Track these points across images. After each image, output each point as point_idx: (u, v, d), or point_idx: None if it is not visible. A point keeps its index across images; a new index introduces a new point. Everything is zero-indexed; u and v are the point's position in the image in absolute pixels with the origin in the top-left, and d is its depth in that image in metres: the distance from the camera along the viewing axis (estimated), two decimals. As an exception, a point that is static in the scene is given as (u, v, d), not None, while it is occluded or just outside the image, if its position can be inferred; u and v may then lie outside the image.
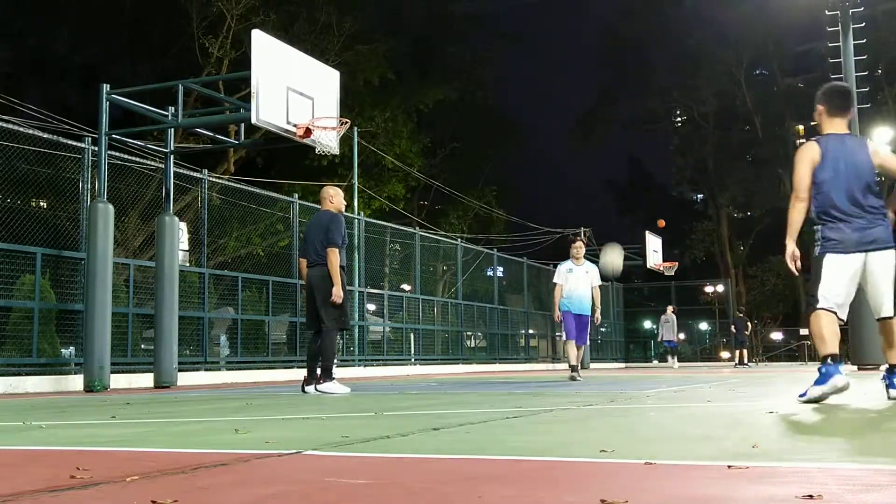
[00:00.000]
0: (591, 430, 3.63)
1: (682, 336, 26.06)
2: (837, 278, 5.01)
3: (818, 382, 4.89)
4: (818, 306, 5.02)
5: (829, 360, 4.87)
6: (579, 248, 11.07)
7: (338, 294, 7.55)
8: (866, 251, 5.00)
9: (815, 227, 5.22)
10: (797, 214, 5.28)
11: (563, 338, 11.02)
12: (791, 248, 5.38)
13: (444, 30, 33.07)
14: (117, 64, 25.48)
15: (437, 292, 23.31)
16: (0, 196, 10.77)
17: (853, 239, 5.00)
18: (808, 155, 5.20)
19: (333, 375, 7.66)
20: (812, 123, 5.55)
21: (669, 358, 26.10)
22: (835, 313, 4.99)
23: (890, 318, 5.07)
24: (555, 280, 11.09)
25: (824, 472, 2.22)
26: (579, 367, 10.88)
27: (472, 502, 1.87)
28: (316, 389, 7.54)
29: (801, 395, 5.08)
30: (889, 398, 5.07)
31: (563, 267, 11.11)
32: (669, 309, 26.31)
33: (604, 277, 11.07)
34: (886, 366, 5.14)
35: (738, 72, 41.12)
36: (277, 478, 2.28)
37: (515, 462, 2.56)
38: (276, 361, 14.47)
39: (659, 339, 26.52)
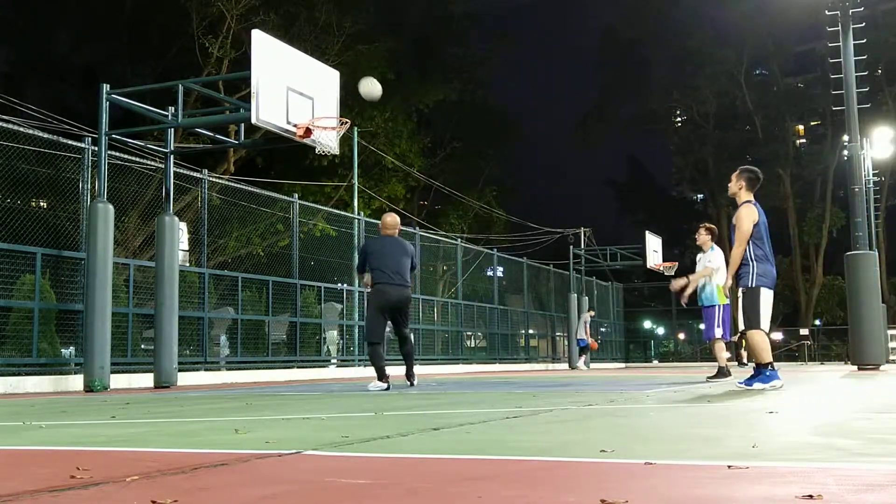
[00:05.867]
0: (591, 430, 3.63)
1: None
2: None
3: (762, 380, 7.04)
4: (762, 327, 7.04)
5: (771, 367, 7.12)
6: (699, 234, 10.50)
7: None
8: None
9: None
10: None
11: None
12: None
13: (444, 30, 33.03)
14: (117, 64, 25.46)
15: (437, 292, 23.30)
16: (0, 196, 10.77)
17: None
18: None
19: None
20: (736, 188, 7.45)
21: (584, 358, 25.68)
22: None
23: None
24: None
25: (824, 472, 2.22)
26: (726, 368, 10.15)
27: (472, 502, 1.87)
28: (413, 384, 8.85)
29: (741, 383, 7.22)
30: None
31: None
32: (591, 312, 27.14)
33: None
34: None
35: (738, 72, 41.11)
36: (277, 478, 2.28)
37: (515, 462, 2.56)
38: (276, 361, 14.47)
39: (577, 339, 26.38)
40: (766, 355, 7.07)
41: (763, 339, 7.05)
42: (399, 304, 8.45)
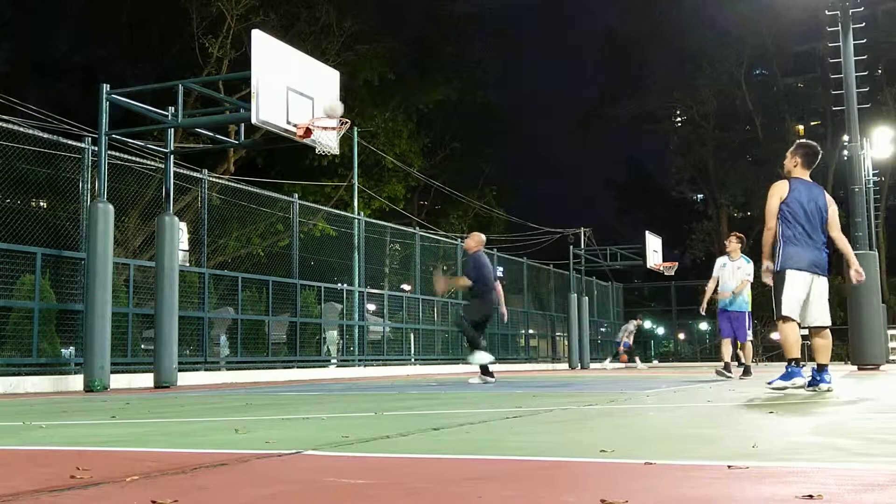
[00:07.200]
0: (591, 430, 3.63)
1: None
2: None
3: (784, 378, 6.38)
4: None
5: (796, 363, 6.42)
6: (729, 242, 10.96)
7: None
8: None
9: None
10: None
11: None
12: None
13: (444, 30, 33.04)
14: (117, 64, 25.48)
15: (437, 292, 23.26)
16: (0, 196, 10.77)
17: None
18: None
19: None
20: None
21: (633, 359, 25.98)
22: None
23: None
24: (713, 273, 11.04)
25: (824, 472, 2.22)
26: (732, 364, 10.82)
27: (472, 502, 1.87)
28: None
29: (769, 383, 6.55)
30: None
31: (719, 261, 11.00)
32: (638, 321, 27.81)
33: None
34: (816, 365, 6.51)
35: (738, 72, 41.10)
36: (277, 478, 2.28)
37: (515, 462, 2.56)
38: (276, 361, 14.47)
39: (619, 339, 26.66)
40: (791, 351, 6.44)
41: (786, 333, 6.44)
42: (495, 309, 10.14)
